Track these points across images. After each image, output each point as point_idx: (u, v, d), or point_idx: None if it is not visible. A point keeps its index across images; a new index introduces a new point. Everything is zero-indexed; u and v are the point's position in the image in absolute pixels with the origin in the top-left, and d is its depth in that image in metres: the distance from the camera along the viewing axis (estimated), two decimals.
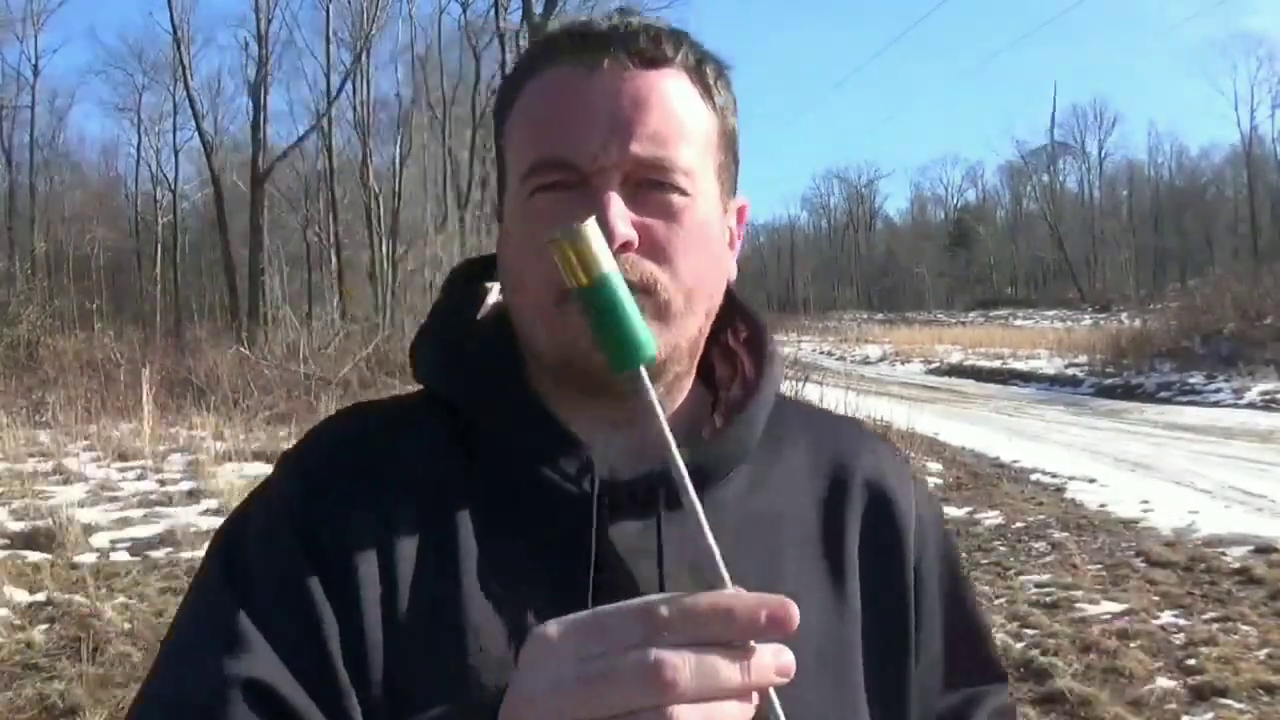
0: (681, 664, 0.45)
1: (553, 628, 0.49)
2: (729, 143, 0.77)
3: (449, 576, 0.69)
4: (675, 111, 0.71)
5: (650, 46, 0.71)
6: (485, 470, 0.73)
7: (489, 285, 0.84)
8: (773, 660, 0.48)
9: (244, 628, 0.65)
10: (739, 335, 0.82)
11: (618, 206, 0.68)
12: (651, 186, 0.70)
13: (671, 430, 0.59)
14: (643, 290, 0.69)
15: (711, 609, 0.47)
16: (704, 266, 0.73)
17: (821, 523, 0.77)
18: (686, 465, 0.55)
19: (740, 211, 0.81)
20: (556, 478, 0.72)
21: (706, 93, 0.74)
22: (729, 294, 0.80)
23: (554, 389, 0.75)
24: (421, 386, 0.81)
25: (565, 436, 0.72)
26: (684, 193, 0.71)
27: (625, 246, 0.68)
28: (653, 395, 0.53)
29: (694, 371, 0.78)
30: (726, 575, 0.50)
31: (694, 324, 0.74)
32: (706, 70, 0.74)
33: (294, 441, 0.79)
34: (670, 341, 0.72)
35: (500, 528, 0.71)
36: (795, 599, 0.61)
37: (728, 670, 0.46)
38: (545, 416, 0.73)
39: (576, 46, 0.72)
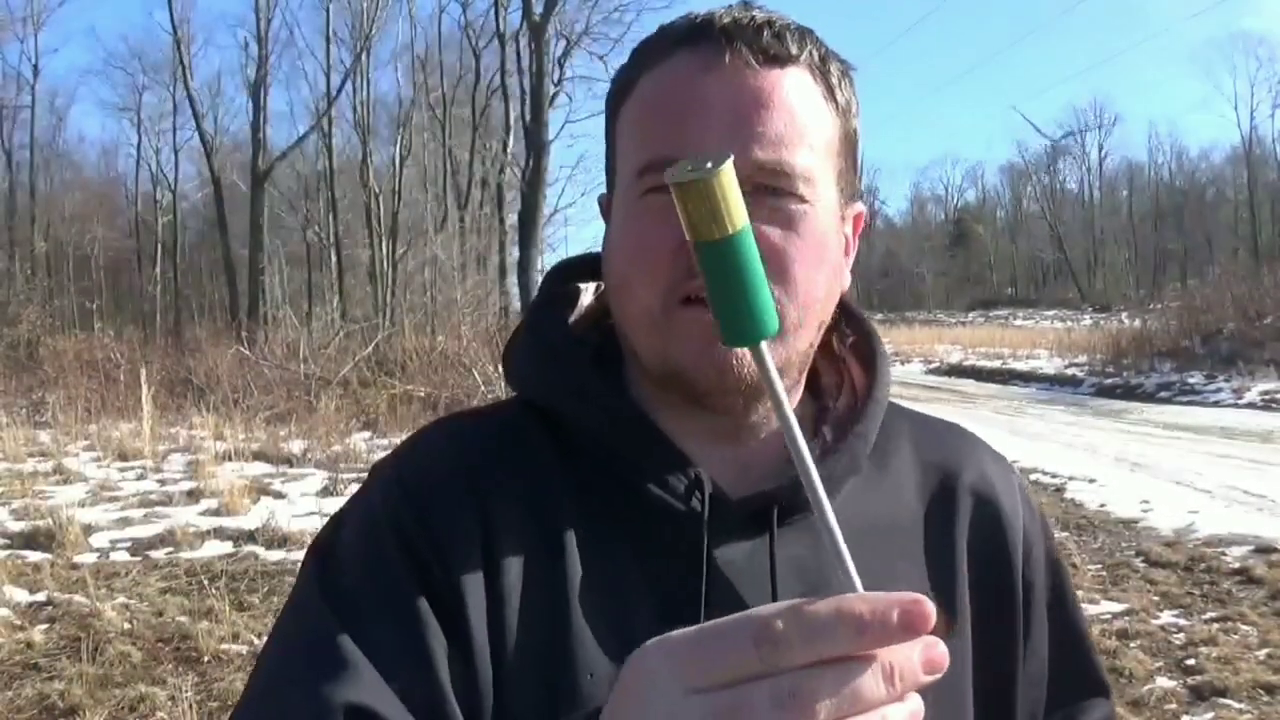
0: (818, 687, 0.38)
1: (653, 654, 0.42)
2: (850, 147, 0.73)
3: (556, 597, 0.66)
4: (798, 113, 0.68)
5: (774, 43, 0.68)
6: (589, 484, 0.70)
7: (583, 286, 0.81)
8: (921, 656, 0.40)
9: (346, 650, 0.61)
10: (845, 340, 0.80)
11: None
12: (770, 192, 0.67)
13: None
14: None
15: (836, 615, 0.39)
16: (820, 278, 0.70)
17: (930, 534, 0.75)
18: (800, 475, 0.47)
19: (856, 219, 0.77)
20: (664, 495, 0.69)
21: (829, 93, 0.71)
22: (840, 301, 0.77)
23: (656, 398, 0.72)
24: (515, 393, 0.77)
25: (672, 451, 0.70)
26: (803, 199, 0.68)
27: None
28: (774, 372, 0.45)
29: (803, 384, 0.76)
30: (858, 580, 0.44)
31: (806, 338, 0.71)
32: (831, 69, 0.71)
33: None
34: (782, 356, 0.69)
35: (607, 546, 0.68)
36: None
37: (870, 683, 0.39)
38: (650, 430, 0.70)
39: (696, 40, 0.68)
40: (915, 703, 0.41)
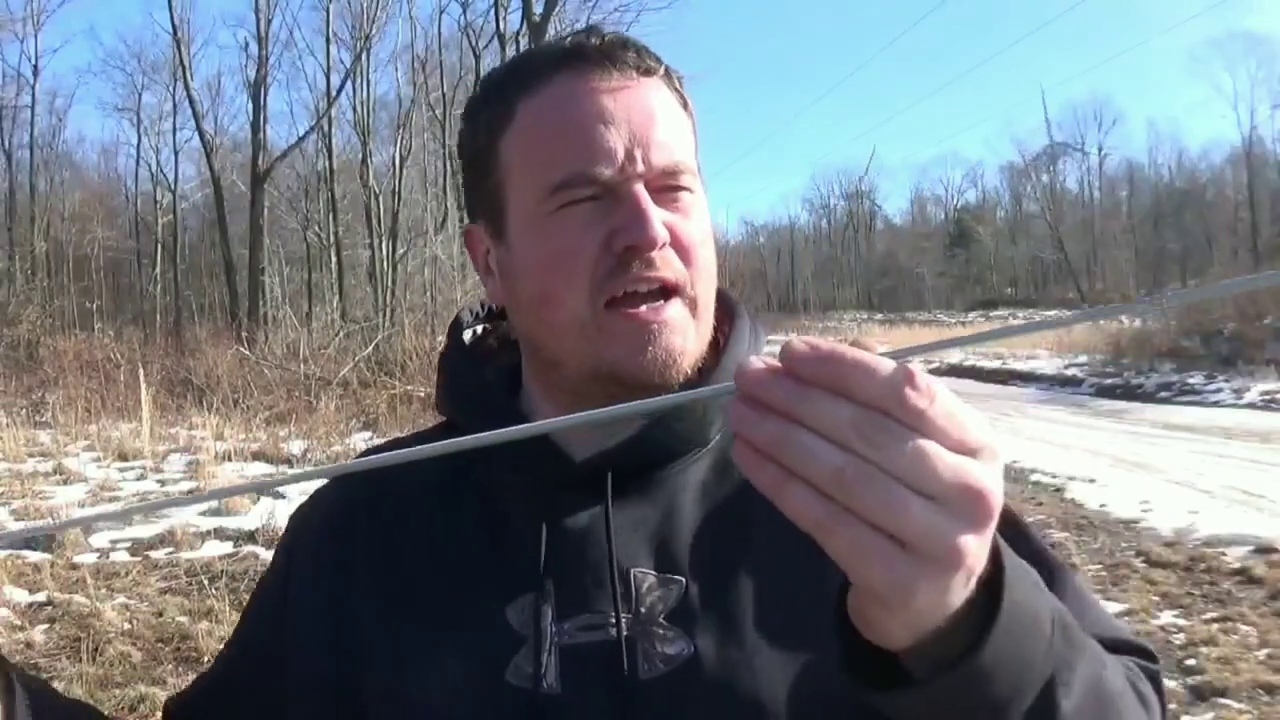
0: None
1: None
2: (698, 143, 0.81)
3: (409, 571, 0.77)
4: (673, 117, 0.76)
5: (639, 59, 0.75)
6: (460, 473, 0.80)
7: (467, 334, 0.90)
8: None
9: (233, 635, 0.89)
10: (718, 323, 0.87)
11: (655, 210, 0.71)
12: (669, 190, 0.74)
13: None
14: (675, 289, 0.73)
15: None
16: (713, 258, 0.77)
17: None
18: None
19: None
20: (520, 476, 0.77)
21: (680, 98, 0.78)
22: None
23: (541, 403, 0.80)
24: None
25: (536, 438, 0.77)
26: (692, 191, 0.75)
27: (662, 245, 0.72)
28: None
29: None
30: None
31: (711, 318, 0.78)
32: (674, 77, 0.78)
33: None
34: (703, 336, 0.76)
35: (460, 532, 0.77)
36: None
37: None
38: (518, 419, 0.78)
39: (575, 62, 0.74)
40: None
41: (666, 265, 0.72)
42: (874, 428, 0.42)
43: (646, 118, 0.73)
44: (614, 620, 0.71)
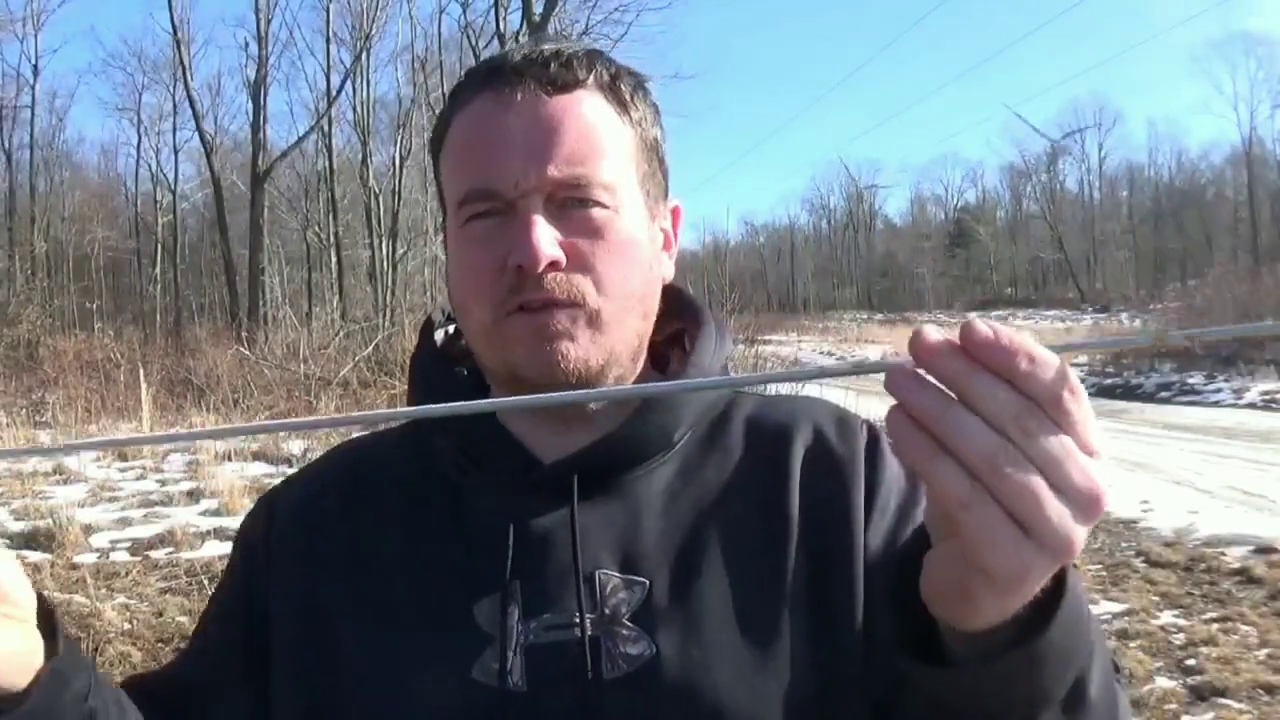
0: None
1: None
2: (650, 152, 0.80)
3: (378, 568, 0.78)
4: (590, 130, 0.75)
5: (561, 72, 0.75)
6: (432, 474, 0.81)
7: (439, 333, 0.91)
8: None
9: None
10: (685, 328, 0.87)
11: (541, 229, 0.73)
12: (574, 204, 0.74)
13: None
14: (571, 304, 0.74)
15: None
16: (632, 275, 0.77)
17: (761, 495, 0.79)
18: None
19: (674, 214, 0.85)
20: (489, 477, 0.79)
21: (622, 107, 0.78)
22: (677, 291, 0.86)
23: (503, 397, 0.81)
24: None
25: (502, 434, 0.79)
26: (604, 206, 0.75)
27: (553, 265, 0.73)
28: None
29: (639, 371, 0.83)
30: None
31: (630, 329, 0.78)
32: (621, 86, 0.78)
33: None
34: (606, 347, 0.76)
35: (428, 528, 0.79)
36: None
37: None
38: (499, 429, 0.79)
39: (493, 80, 0.76)
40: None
41: (557, 285, 0.73)
42: (1032, 419, 0.45)
43: (549, 133, 0.74)
44: (578, 620, 0.72)
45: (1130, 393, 16.45)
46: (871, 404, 11.42)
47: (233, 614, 0.83)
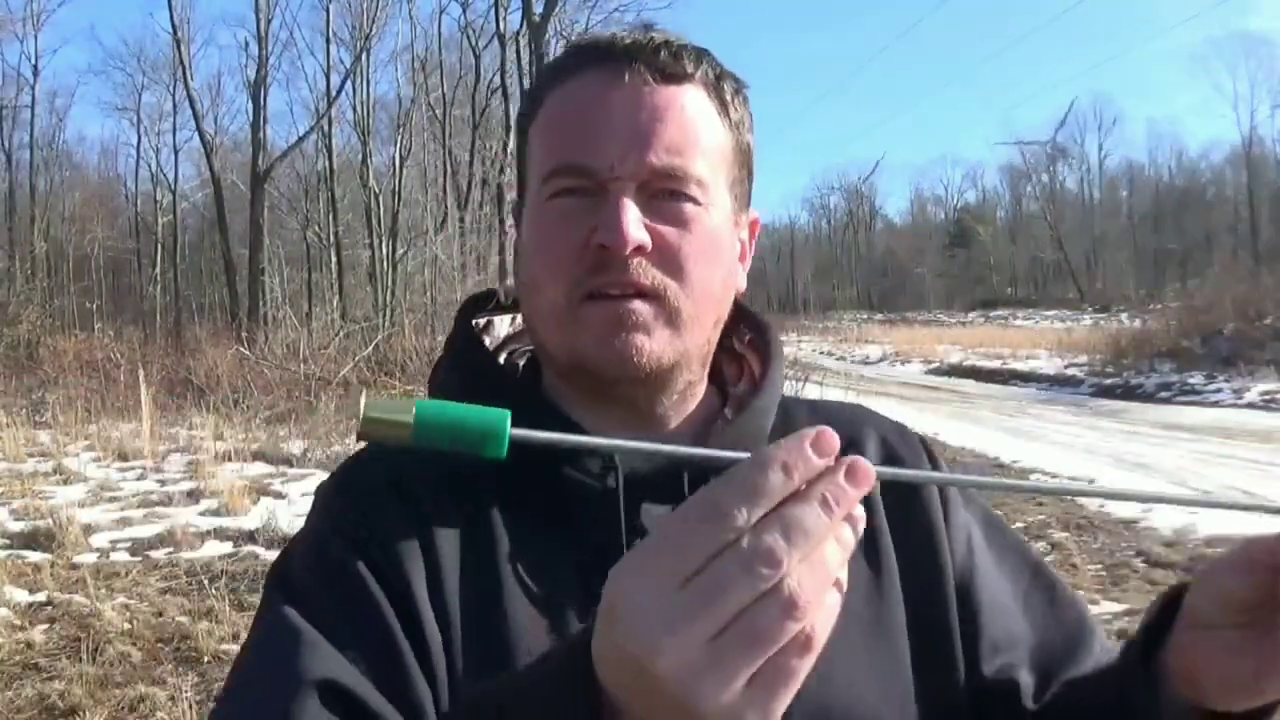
0: (773, 538, 0.42)
1: (626, 573, 0.44)
2: (743, 158, 0.79)
3: (491, 579, 0.71)
4: (691, 125, 0.73)
5: (670, 62, 0.74)
6: (513, 475, 0.72)
7: (494, 319, 0.87)
8: (845, 476, 0.43)
9: (311, 636, 0.65)
10: (744, 339, 0.85)
11: (631, 211, 0.70)
12: (666, 196, 0.72)
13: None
14: (652, 296, 0.72)
15: (762, 467, 0.43)
16: (714, 276, 0.75)
17: None
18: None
19: (752, 225, 0.83)
20: (581, 476, 0.74)
21: (723, 108, 0.76)
22: (736, 302, 0.82)
23: (569, 397, 0.77)
24: None
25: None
26: (696, 202, 0.73)
27: (639, 250, 0.70)
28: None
29: (706, 379, 0.81)
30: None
31: (703, 333, 0.76)
32: (724, 87, 0.77)
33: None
34: (679, 348, 0.74)
35: (533, 528, 0.73)
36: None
37: (812, 516, 0.42)
38: (564, 420, 0.75)
39: (600, 59, 0.74)
40: (857, 518, 0.45)
41: (641, 271, 0.71)
42: None
43: (653, 120, 0.72)
44: None
45: (1130, 393, 16.43)
46: (871, 402, 11.42)
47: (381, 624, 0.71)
